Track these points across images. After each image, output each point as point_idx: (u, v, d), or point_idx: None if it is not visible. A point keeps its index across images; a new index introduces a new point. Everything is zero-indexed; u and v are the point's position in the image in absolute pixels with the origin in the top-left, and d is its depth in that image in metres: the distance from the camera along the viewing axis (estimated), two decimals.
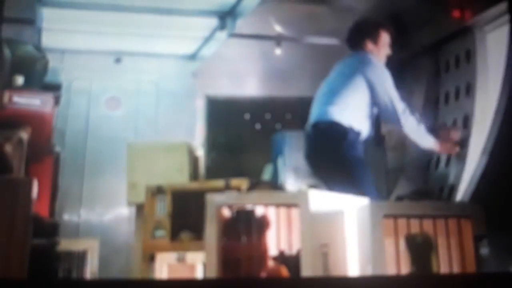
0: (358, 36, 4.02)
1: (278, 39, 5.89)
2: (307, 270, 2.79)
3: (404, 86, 5.40)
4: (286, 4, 5.40)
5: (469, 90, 4.57)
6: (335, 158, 3.68)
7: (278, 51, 5.94)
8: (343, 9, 5.30)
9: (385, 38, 4.00)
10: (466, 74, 4.60)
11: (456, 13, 4.59)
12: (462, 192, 3.82)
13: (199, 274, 4.62)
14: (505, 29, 4.15)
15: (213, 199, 3.05)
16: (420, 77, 5.19)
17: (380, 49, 3.98)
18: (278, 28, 5.83)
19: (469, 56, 4.66)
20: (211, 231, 3.00)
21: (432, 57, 5.01)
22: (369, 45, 3.96)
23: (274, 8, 5.50)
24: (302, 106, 4.24)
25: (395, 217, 3.01)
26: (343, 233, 3.08)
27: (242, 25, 5.94)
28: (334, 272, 2.89)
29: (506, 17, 4.14)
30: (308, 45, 5.96)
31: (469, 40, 4.59)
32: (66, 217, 6.60)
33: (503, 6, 4.16)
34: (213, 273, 2.93)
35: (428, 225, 3.02)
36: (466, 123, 4.42)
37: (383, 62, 4.00)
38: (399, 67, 5.50)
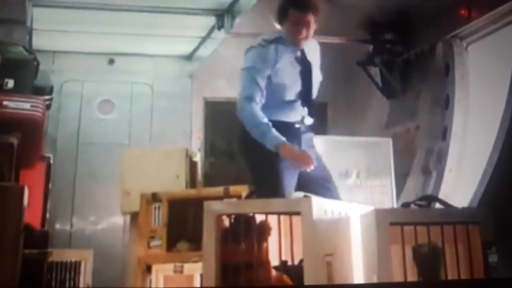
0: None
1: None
2: (310, 281, 2.82)
3: (410, 86, 5.49)
4: None
5: (448, 102, 4.80)
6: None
7: None
8: (346, 7, 5.34)
9: (291, 16, 3.64)
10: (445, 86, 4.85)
11: (463, 12, 4.68)
12: (470, 197, 3.88)
13: (197, 285, 4.66)
14: (487, 40, 4.33)
15: (211, 207, 3.07)
16: (427, 77, 5.26)
17: (287, 28, 3.64)
18: (279, 27, 5.86)
19: (448, 68, 4.89)
20: (209, 242, 2.99)
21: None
22: (276, 26, 3.76)
23: (273, 6, 5.50)
24: None
25: (402, 224, 3.05)
26: (349, 242, 3.11)
27: (240, 23, 5.98)
28: (339, 283, 2.93)
29: (489, 28, 4.33)
30: None
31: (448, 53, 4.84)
32: (58, 226, 6.64)
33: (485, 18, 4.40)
34: (211, 284, 2.96)
35: (435, 232, 3.06)
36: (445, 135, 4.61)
37: (296, 42, 3.66)
38: (406, 67, 5.59)
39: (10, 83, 4.89)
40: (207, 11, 6.23)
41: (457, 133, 4.78)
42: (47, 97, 5.44)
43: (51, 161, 5.26)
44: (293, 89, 3.65)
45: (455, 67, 4.85)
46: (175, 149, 5.33)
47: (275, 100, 3.61)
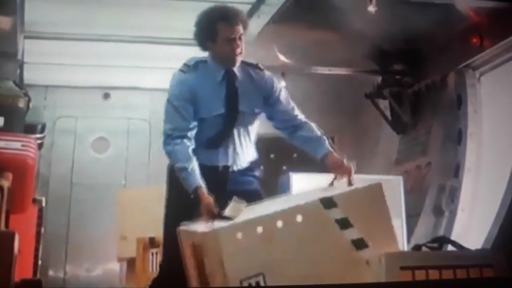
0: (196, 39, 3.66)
1: (283, 70, 6.04)
2: None
3: (421, 120, 5.59)
4: (291, 32, 5.51)
5: (460, 137, 4.92)
6: None
7: (283, 83, 6.07)
8: (353, 36, 5.45)
9: (222, 32, 3.47)
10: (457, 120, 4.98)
11: (475, 40, 4.81)
12: (484, 238, 3.97)
13: None
14: (501, 70, 4.44)
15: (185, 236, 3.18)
16: (438, 110, 5.36)
17: (219, 47, 3.49)
18: (283, 58, 5.97)
19: (460, 100, 4.99)
20: (191, 269, 3.15)
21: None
22: (209, 46, 3.55)
23: (278, 36, 5.62)
24: None
25: (413, 268, 3.13)
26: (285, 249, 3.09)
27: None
28: None
29: (502, 57, 4.46)
30: (316, 76, 6.11)
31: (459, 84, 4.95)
32: (51, 273, 6.66)
33: (498, 47, 4.57)
34: None
35: (448, 275, 3.15)
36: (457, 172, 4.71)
37: (232, 60, 3.52)
38: (416, 99, 5.69)
39: (0, 121, 5.01)
40: None
41: (470, 169, 4.86)
42: (39, 135, 5.59)
43: (43, 204, 5.32)
44: (218, 123, 3.49)
45: (468, 99, 4.97)
46: None
47: (199, 138, 3.47)
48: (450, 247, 3.56)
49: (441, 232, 4.73)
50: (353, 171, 3.37)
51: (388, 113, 5.93)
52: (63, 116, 7.18)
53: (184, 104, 3.46)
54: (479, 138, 4.94)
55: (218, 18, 3.48)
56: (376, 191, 3.28)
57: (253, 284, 2.98)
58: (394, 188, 4.64)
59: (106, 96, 7.33)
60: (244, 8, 4.58)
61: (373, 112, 6.01)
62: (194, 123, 3.46)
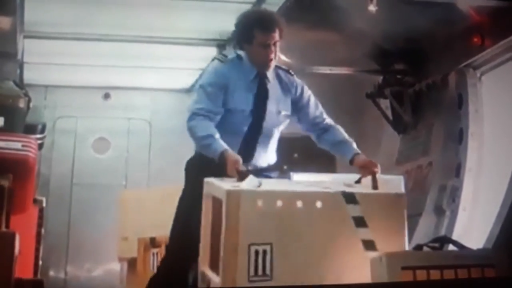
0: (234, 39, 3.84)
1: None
2: (230, 268, 3.02)
3: (422, 120, 5.60)
4: (292, 31, 5.51)
5: (461, 136, 4.93)
6: None
7: None
8: (354, 36, 5.47)
9: (258, 38, 3.60)
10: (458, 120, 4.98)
11: (476, 39, 4.82)
12: (485, 237, 3.99)
13: None
14: (502, 69, 4.45)
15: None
16: (439, 110, 5.37)
17: (253, 51, 3.64)
18: (283, 57, 5.98)
19: (461, 100, 5.01)
20: (206, 223, 3.25)
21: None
22: (245, 47, 3.70)
23: None
24: (310, 144, 4.41)
25: (414, 268, 3.15)
26: (303, 231, 3.16)
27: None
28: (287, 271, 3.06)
29: (504, 56, 4.48)
30: (317, 76, 6.12)
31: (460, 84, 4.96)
32: (51, 274, 6.71)
33: (499, 46, 4.56)
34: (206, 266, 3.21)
35: (449, 275, 3.16)
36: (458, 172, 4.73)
37: (265, 66, 3.65)
38: (417, 99, 5.70)
39: (0, 121, 5.03)
40: (208, 41, 6.36)
41: (471, 169, 4.88)
42: (39, 135, 5.61)
43: (44, 204, 5.34)
44: (243, 118, 3.64)
45: (469, 99, 5.00)
46: (175, 190, 5.40)
47: (222, 130, 3.55)
48: (451, 247, 3.56)
49: (442, 232, 4.75)
50: (378, 173, 3.54)
51: (389, 112, 5.94)
52: (63, 116, 7.23)
53: (216, 91, 3.60)
54: (480, 138, 4.96)
55: (256, 24, 3.64)
56: (399, 201, 3.40)
57: (260, 251, 3.09)
58: (395, 188, 4.65)
59: (107, 96, 7.38)
60: (244, 8, 4.62)
61: (374, 112, 6.02)
62: (221, 110, 3.60)
